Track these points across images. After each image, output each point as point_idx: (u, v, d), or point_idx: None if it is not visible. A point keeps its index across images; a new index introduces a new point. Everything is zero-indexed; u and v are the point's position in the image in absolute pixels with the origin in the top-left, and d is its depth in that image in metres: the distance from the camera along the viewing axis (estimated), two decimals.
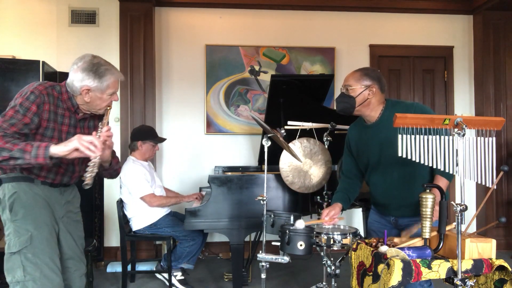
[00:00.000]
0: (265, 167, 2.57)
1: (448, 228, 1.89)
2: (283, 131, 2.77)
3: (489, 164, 1.77)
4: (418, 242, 1.92)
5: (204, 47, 4.71)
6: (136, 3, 4.42)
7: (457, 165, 1.74)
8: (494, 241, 1.82)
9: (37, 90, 1.93)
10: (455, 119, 1.76)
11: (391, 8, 4.86)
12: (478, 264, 1.76)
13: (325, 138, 2.99)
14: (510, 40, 4.83)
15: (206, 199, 3.17)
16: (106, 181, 4.32)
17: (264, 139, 2.50)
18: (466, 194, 1.84)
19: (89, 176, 1.89)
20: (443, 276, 1.74)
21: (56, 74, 3.95)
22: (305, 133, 3.03)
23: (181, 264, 3.54)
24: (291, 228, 2.18)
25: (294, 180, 2.92)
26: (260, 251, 2.34)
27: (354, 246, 2.02)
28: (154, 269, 3.87)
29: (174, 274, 3.53)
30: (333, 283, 2.38)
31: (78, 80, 1.95)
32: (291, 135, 2.95)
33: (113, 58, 4.27)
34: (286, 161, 2.90)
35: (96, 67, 1.96)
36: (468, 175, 1.77)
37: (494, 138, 1.78)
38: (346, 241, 2.11)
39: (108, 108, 2.07)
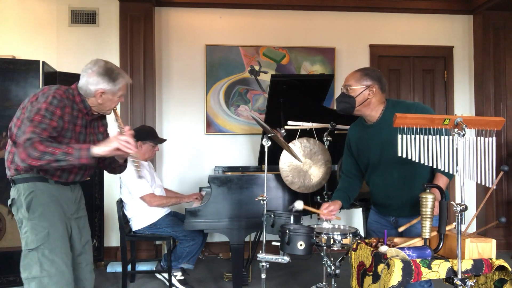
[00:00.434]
0: (265, 167, 2.57)
1: (448, 228, 1.89)
2: (283, 131, 2.77)
3: (489, 164, 1.77)
4: (418, 242, 1.92)
5: (204, 47, 4.71)
6: (136, 3, 4.42)
7: (457, 165, 1.74)
8: (494, 241, 1.82)
9: (58, 95, 2.05)
10: (455, 119, 1.76)
11: (391, 8, 4.86)
12: (478, 264, 1.76)
13: (325, 138, 2.99)
14: (510, 40, 4.83)
15: (206, 199, 3.17)
16: (106, 181, 4.32)
17: (264, 139, 2.50)
18: (466, 194, 1.84)
19: (139, 170, 2.14)
20: (443, 276, 1.74)
21: (56, 74, 3.95)
22: (305, 133, 3.03)
23: (181, 264, 3.54)
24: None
25: (294, 180, 2.92)
26: (260, 251, 2.34)
27: (354, 246, 2.02)
28: (154, 269, 3.87)
29: (174, 274, 3.53)
30: (333, 283, 2.38)
31: (93, 83, 2.10)
32: (291, 135, 2.95)
33: (113, 58, 4.27)
34: (286, 161, 2.90)
35: (110, 71, 2.12)
36: (468, 175, 1.77)
37: (494, 138, 1.78)
38: (346, 241, 2.11)
39: (115, 108, 2.26)
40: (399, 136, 1.79)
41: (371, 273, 1.85)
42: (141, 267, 4.07)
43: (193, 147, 4.74)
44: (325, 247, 2.17)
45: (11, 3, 4.52)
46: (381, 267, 1.76)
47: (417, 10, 4.89)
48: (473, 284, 1.73)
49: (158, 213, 3.55)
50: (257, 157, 4.31)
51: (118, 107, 4.37)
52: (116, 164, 2.36)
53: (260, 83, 4.71)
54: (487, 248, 1.80)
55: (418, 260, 1.73)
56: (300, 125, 3.14)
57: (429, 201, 1.86)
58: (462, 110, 4.99)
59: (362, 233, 3.66)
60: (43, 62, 3.67)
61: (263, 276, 2.40)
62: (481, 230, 2.17)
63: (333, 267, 2.29)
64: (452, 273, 1.73)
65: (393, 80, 4.95)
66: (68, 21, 4.55)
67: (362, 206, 3.58)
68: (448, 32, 4.98)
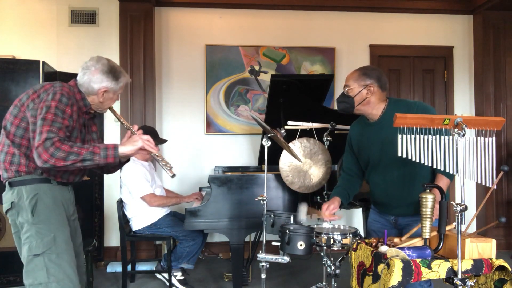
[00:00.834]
0: (265, 167, 2.57)
1: (448, 228, 1.89)
2: (283, 131, 2.77)
3: (489, 164, 1.77)
4: (418, 242, 1.92)
5: (204, 47, 4.71)
6: (136, 3, 4.42)
7: (457, 165, 1.74)
8: (494, 241, 1.82)
9: (65, 93, 1.98)
10: (455, 119, 1.76)
11: (391, 8, 4.86)
12: (478, 264, 1.76)
13: (325, 138, 2.99)
14: (510, 40, 4.83)
15: (206, 199, 3.17)
16: (106, 181, 4.32)
17: (264, 139, 2.50)
18: (466, 194, 1.84)
19: (170, 169, 2.09)
20: (443, 276, 1.74)
21: (56, 74, 3.95)
22: (305, 133, 3.03)
23: (181, 264, 3.54)
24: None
25: (294, 180, 2.92)
26: (260, 251, 2.34)
27: (354, 246, 2.02)
28: (154, 269, 3.87)
29: (174, 274, 3.53)
30: (333, 283, 2.38)
31: (97, 81, 2.06)
32: (291, 135, 2.95)
33: (113, 58, 4.18)
34: (286, 161, 2.90)
35: (113, 70, 2.10)
36: (468, 175, 1.77)
37: (494, 138, 1.78)
38: (346, 241, 2.11)
39: (112, 107, 2.22)
40: (399, 136, 1.79)
41: (371, 273, 1.85)
42: (141, 267, 4.07)
43: (193, 147, 4.74)
44: (325, 247, 2.17)
45: (11, 3, 4.52)
46: (381, 267, 1.76)
47: (417, 10, 4.89)
48: (473, 284, 1.73)
49: (158, 213, 3.55)
50: (257, 157, 4.31)
51: (117, 107, 4.42)
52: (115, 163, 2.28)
53: (260, 83, 4.71)
54: (487, 248, 1.80)
55: (418, 260, 1.73)
56: (300, 125, 3.13)
57: (429, 201, 1.85)
58: (462, 110, 4.99)
59: (362, 233, 3.66)
60: (43, 62, 3.67)
61: (263, 276, 2.40)
62: (481, 230, 2.17)
63: (333, 267, 2.29)
64: (452, 273, 1.73)
65: (393, 80, 4.95)
66: (68, 21, 4.55)
67: (362, 206, 3.58)
68: (448, 32, 4.98)
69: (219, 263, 4.43)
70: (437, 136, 1.78)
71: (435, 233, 1.90)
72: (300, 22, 4.82)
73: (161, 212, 3.57)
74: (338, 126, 3.08)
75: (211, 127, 4.72)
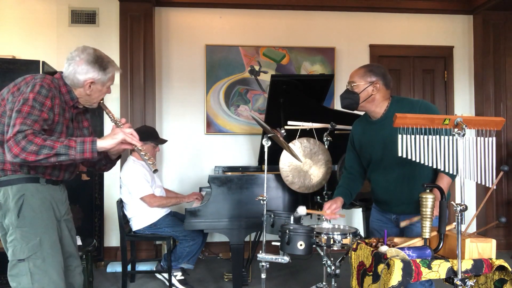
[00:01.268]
0: (265, 167, 2.57)
1: (448, 228, 1.89)
2: (283, 131, 2.77)
3: (489, 164, 1.77)
4: (418, 242, 1.92)
5: (204, 47, 4.71)
6: (136, 3, 4.42)
7: (457, 165, 1.74)
8: (494, 241, 1.82)
9: (46, 84, 1.86)
10: (455, 119, 1.76)
11: (391, 8, 4.86)
12: (478, 264, 1.76)
13: (325, 138, 2.99)
14: (510, 40, 4.83)
15: (206, 199, 3.17)
16: (106, 181, 4.32)
17: (264, 139, 2.50)
18: (466, 194, 1.84)
19: (153, 163, 1.96)
20: (443, 276, 1.74)
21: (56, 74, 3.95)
22: (305, 133, 3.03)
23: (181, 264, 3.54)
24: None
25: (294, 180, 2.92)
26: (260, 251, 2.34)
27: (354, 246, 2.02)
28: (154, 269, 3.87)
29: (174, 274, 3.53)
30: (333, 283, 2.38)
31: (82, 72, 1.93)
32: (291, 135, 2.95)
33: (113, 58, 4.14)
34: (286, 161, 2.90)
35: (100, 59, 1.96)
36: (468, 175, 1.77)
37: (494, 138, 1.78)
38: (346, 241, 2.11)
39: (101, 101, 2.08)
40: (399, 136, 1.79)
41: (371, 273, 1.85)
42: (141, 267, 4.06)
43: (193, 147, 4.74)
44: (325, 247, 2.17)
45: (11, 3, 4.52)
46: (381, 267, 1.76)
47: (417, 10, 4.89)
48: (473, 284, 1.73)
49: (158, 213, 3.55)
50: (257, 157, 4.31)
51: (117, 107, 4.43)
52: (107, 160, 2.14)
53: (260, 83, 4.70)
54: (487, 248, 1.80)
55: (418, 260, 1.73)
56: (300, 125, 3.14)
57: (429, 201, 1.86)
58: (462, 110, 4.99)
59: (362, 233, 3.66)
60: (43, 62, 3.67)
61: (263, 276, 2.40)
62: (481, 230, 2.17)
63: (333, 267, 2.29)
64: (452, 273, 1.73)
65: (393, 80, 4.86)
66: (68, 21, 4.55)
67: (362, 206, 3.58)
68: (448, 32, 4.97)
69: (219, 263, 4.43)
70: (437, 136, 1.78)
71: (435, 233, 1.90)
72: (300, 22, 4.82)
73: (161, 212, 3.57)
74: (338, 126, 3.08)
75: (211, 127, 4.72)
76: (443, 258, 1.82)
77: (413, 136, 1.78)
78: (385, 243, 1.91)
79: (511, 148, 4.80)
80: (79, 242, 3.13)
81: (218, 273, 4.06)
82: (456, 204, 1.69)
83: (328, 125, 3.05)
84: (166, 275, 3.58)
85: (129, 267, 3.66)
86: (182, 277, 3.58)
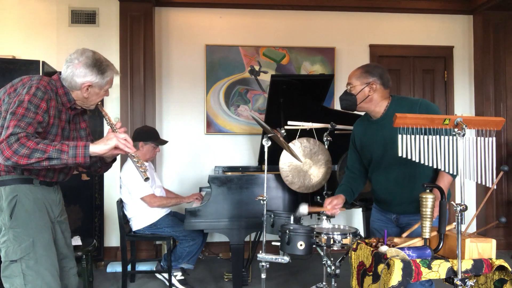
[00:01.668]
0: (265, 167, 2.58)
1: (448, 228, 1.89)
2: (283, 131, 2.77)
3: (489, 164, 1.77)
4: (418, 242, 1.92)
5: (204, 47, 4.71)
6: (136, 3, 4.42)
7: (457, 165, 1.74)
8: (494, 241, 1.82)
9: (42, 86, 1.85)
10: (455, 119, 1.76)
11: (391, 8, 4.86)
12: (478, 264, 1.76)
13: (325, 138, 2.99)
14: (510, 40, 4.83)
15: (206, 199, 3.17)
16: (106, 181, 4.32)
17: (264, 139, 2.50)
18: (466, 194, 1.84)
19: (144, 171, 1.91)
20: (443, 276, 1.74)
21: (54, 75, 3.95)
22: (305, 133, 3.03)
23: (181, 264, 3.54)
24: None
25: (294, 180, 2.92)
26: (260, 251, 2.34)
27: (354, 246, 2.02)
28: (154, 269, 3.87)
29: (174, 274, 3.53)
30: (333, 283, 2.38)
31: (80, 75, 1.92)
32: (291, 135, 2.96)
33: (113, 58, 4.24)
34: (286, 161, 2.90)
35: (99, 63, 1.95)
36: (468, 175, 1.77)
37: (494, 138, 1.78)
38: (346, 241, 2.12)
39: (99, 103, 2.08)
40: (399, 136, 1.79)
41: (371, 273, 1.85)
42: (141, 267, 4.07)
43: (193, 147, 4.74)
44: (325, 247, 2.17)
45: (11, 3, 4.52)
46: (381, 267, 1.76)
47: (417, 10, 4.89)
48: (473, 284, 1.73)
49: (158, 213, 3.55)
50: (257, 157, 4.31)
51: (117, 107, 4.43)
52: (102, 163, 2.14)
53: (260, 83, 4.70)
54: (487, 248, 1.80)
55: (418, 260, 1.73)
56: (300, 125, 3.14)
57: (429, 201, 1.86)
58: (462, 110, 4.99)
59: (362, 233, 3.66)
60: (43, 62, 3.67)
61: (263, 276, 2.40)
62: (481, 230, 2.17)
63: (333, 267, 2.29)
64: (452, 273, 1.73)
65: (393, 80, 4.91)
66: (68, 21, 4.55)
67: (362, 206, 3.58)
68: (448, 32, 4.97)
69: (219, 263, 4.43)
70: (437, 136, 1.78)
71: (435, 233, 1.90)
72: (300, 22, 4.82)
73: (161, 212, 3.57)
74: (338, 126, 3.08)
75: (211, 127, 4.72)
76: (443, 258, 1.82)
77: (413, 136, 1.78)
78: (385, 243, 1.91)
79: (511, 148, 4.80)
80: (79, 242, 3.14)
81: (218, 273, 4.06)
82: (456, 204, 1.69)
83: (328, 125, 3.05)
84: (166, 275, 3.58)
85: (129, 267, 3.66)
86: (182, 277, 3.58)
